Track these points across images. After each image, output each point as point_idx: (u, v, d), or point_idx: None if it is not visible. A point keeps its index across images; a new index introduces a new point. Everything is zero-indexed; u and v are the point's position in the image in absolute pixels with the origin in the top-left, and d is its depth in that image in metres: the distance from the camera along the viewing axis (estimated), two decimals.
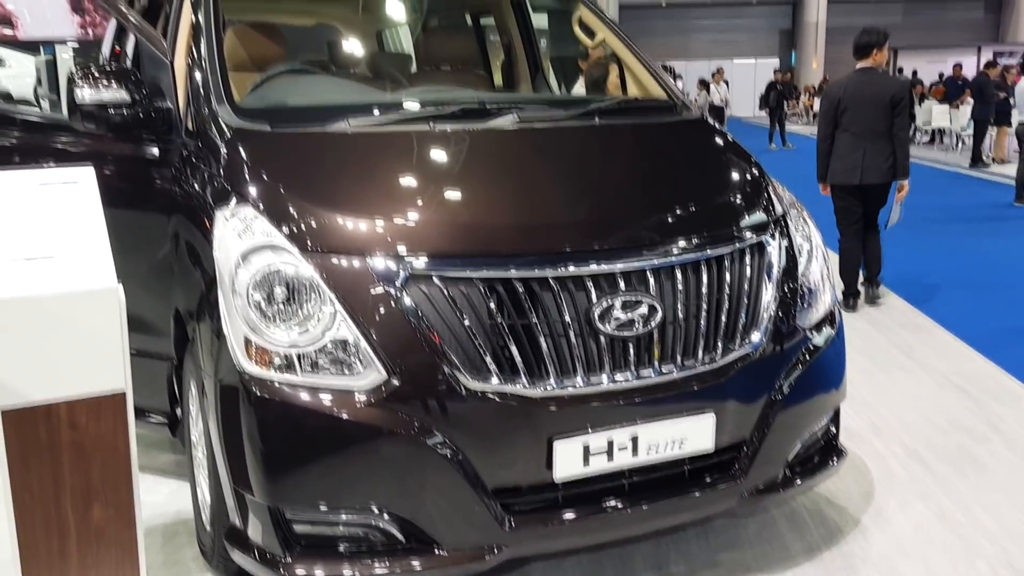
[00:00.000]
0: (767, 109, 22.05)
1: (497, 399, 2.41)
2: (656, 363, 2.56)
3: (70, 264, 2.51)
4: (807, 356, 2.87)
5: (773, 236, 2.88)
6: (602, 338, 2.50)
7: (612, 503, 2.59)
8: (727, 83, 21.24)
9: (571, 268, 2.49)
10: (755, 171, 3.16)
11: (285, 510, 2.44)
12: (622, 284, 2.53)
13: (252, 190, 2.60)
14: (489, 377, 2.40)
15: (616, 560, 3.02)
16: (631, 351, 2.53)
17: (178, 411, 3.28)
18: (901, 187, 5.97)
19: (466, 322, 2.40)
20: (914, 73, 21.54)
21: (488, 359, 2.40)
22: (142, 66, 3.41)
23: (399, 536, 2.44)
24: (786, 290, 2.86)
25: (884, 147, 5.78)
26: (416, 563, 2.43)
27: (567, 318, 2.46)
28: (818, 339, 2.94)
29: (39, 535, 2.61)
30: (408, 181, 2.72)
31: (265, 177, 2.63)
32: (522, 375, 2.42)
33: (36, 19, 15.57)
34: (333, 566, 2.42)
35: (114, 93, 2.99)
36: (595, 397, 2.49)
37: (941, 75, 22.66)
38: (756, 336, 2.74)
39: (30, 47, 12.95)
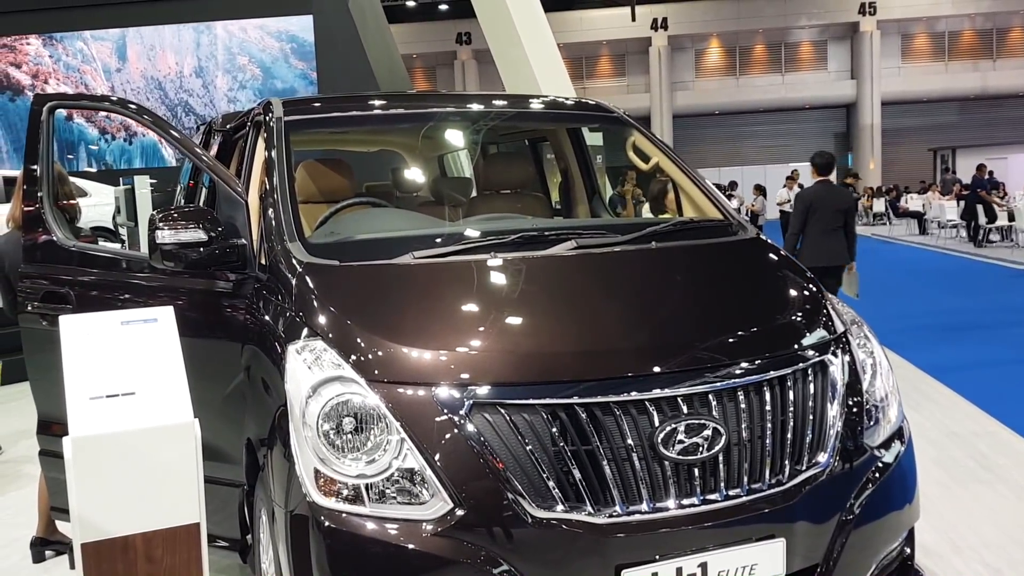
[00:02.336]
0: None
1: (563, 527, 2.41)
2: (723, 488, 2.55)
3: (149, 400, 2.62)
4: (877, 474, 2.83)
5: (835, 354, 2.88)
6: (667, 463, 2.50)
7: None
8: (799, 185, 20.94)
9: (633, 393, 2.51)
10: (813, 289, 3.18)
11: None
12: (684, 408, 2.55)
13: (322, 323, 2.70)
14: (554, 505, 2.42)
15: None
16: (696, 476, 2.52)
17: (248, 538, 3.33)
18: (851, 266, 7.79)
19: (529, 449, 2.43)
20: (979, 168, 21.36)
21: (552, 486, 2.41)
22: (217, 203, 3.59)
23: None
24: (851, 408, 2.84)
25: (840, 239, 7.66)
26: None
27: (630, 443, 2.47)
28: (887, 456, 2.89)
29: None
30: (470, 310, 2.81)
31: (334, 310, 2.73)
32: (587, 502, 2.43)
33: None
34: None
35: (192, 234, 3.16)
36: (661, 523, 2.48)
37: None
38: (823, 456, 2.71)
39: (110, 178, 13.64)
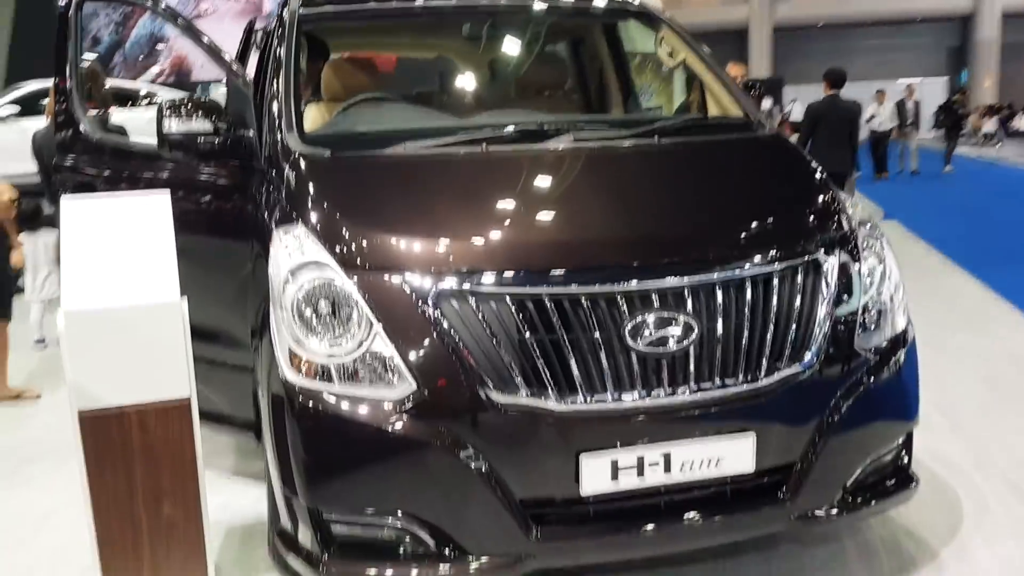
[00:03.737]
0: (943, 130, 20.91)
1: (524, 414, 2.45)
2: (692, 382, 2.54)
3: (139, 280, 2.73)
4: (869, 379, 2.76)
5: (832, 253, 2.79)
6: (633, 356, 2.49)
7: (644, 520, 2.58)
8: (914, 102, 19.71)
9: (603, 285, 2.50)
10: (821, 188, 3.07)
11: (323, 511, 2.55)
12: (656, 301, 2.52)
13: (305, 211, 2.75)
14: (517, 392, 2.44)
15: None
16: (664, 369, 2.51)
17: None
18: (852, 177, 8.51)
19: (496, 337, 2.45)
20: None
21: (516, 374, 2.44)
22: (230, 99, 3.66)
23: (429, 541, 2.51)
24: (847, 310, 2.76)
25: (845, 149, 8.24)
26: (445, 569, 2.49)
27: (597, 335, 2.47)
28: (883, 361, 2.82)
29: (115, 529, 2.84)
30: (449, 200, 2.81)
31: (318, 198, 2.78)
32: (550, 390, 2.45)
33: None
34: (366, 567, 2.52)
35: (199, 124, 3.23)
36: (624, 413, 2.49)
37: None
38: (807, 356, 2.66)
39: (187, 87, 13.90)
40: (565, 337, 2.46)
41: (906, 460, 3.00)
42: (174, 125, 3.21)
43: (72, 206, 2.84)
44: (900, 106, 19.81)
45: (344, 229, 2.64)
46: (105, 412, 2.73)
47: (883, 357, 2.82)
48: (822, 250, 2.78)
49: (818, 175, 3.16)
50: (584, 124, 3.32)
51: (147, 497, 2.85)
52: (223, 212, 3.51)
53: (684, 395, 2.53)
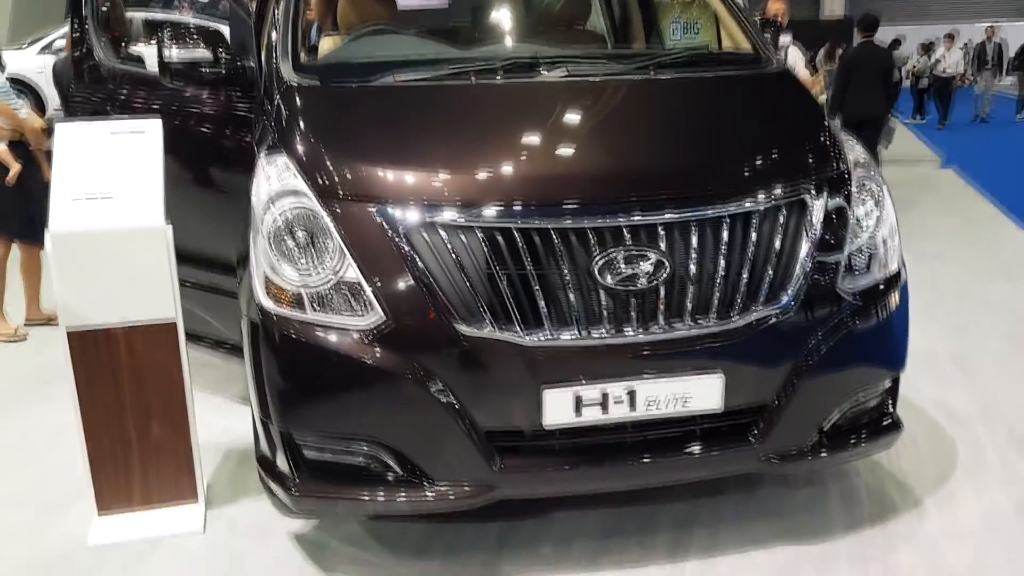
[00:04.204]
0: (1018, 75, 19.98)
1: (490, 346, 2.46)
2: (660, 320, 2.52)
3: (125, 204, 2.79)
4: (850, 324, 2.71)
5: (820, 193, 2.72)
6: (602, 291, 2.48)
7: (610, 454, 2.59)
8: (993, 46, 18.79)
9: (573, 220, 2.48)
10: (815, 127, 2.98)
11: (295, 436, 2.62)
12: (629, 237, 2.50)
13: (289, 140, 2.76)
14: (484, 324, 2.45)
15: (642, 514, 2.98)
16: (632, 306, 2.50)
17: None
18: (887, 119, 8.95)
19: (464, 269, 2.45)
20: None
21: (483, 306, 2.45)
22: (232, 27, 3.67)
23: (396, 468, 2.55)
24: (832, 253, 2.71)
25: (879, 94, 8.55)
26: (409, 495, 2.54)
27: (566, 270, 2.46)
28: (866, 306, 2.76)
29: (105, 447, 2.95)
30: (429, 132, 2.80)
31: (302, 127, 2.79)
32: (516, 323, 2.46)
33: None
34: (335, 489, 2.59)
35: (199, 52, 3.25)
36: (589, 348, 2.48)
37: None
38: (784, 297, 2.62)
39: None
40: (533, 271, 2.46)
41: (891, 406, 2.95)
42: (175, 53, 3.24)
43: (65, 129, 2.90)
44: (980, 48, 19.01)
45: (324, 159, 2.66)
46: (93, 331, 2.82)
47: (867, 302, 2.76)
48: (809, 190, 2.71)
49: (815, 113, 3.08)
50: (582, 58, 3.26)
51: (137, 416, 2.95)
52: (224, 141, 3.55)
53: (652, 333, 2.52)
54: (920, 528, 2.91)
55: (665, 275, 2.50)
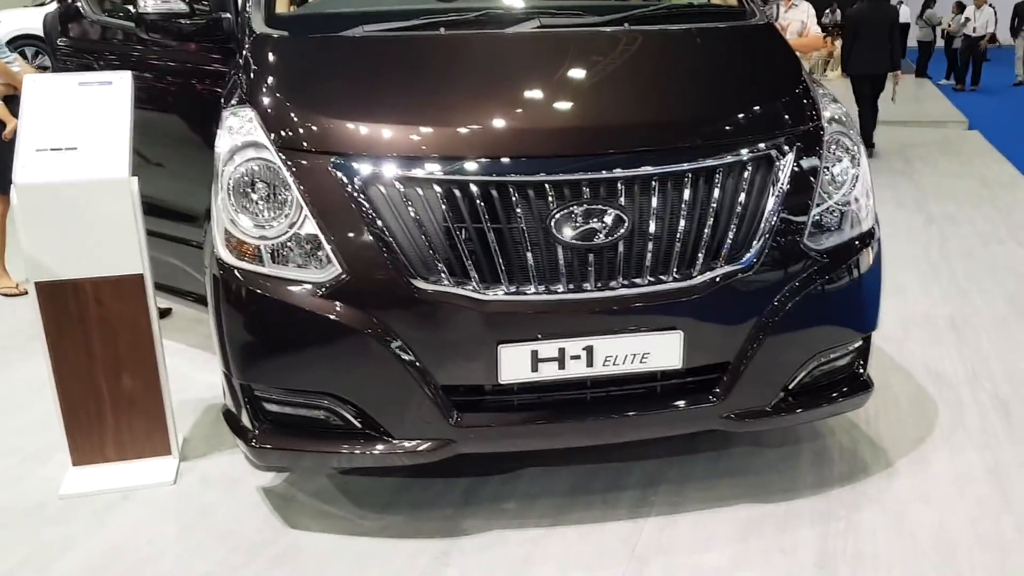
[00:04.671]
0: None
1: (446, 301, 2.44)
2: (618, 276, 2.49)
3: (90, 156, 2.79)
4: (816, 281, 2.65)
5: (789, 150, 2.65)
6: (559, 247, 2.45)
7: (568, 411, 2.58)
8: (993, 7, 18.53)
9: (530, 174, 2.44)
10: (791, 81, 2.90)
11: (255, 389, 2.63)
12: (587, 192, 2.46)
13: (253, 92, 2.74)
14: (440, 279, 2.44)
15: (611, 472, 2.96)
16: (590, 263, 2.47)
17: None
18: (895, 75, 9.32)
19: (421, 223, 2.42)
20: None
21: (440, 261, 2.43)
22: None
23: (354, 422, 2.56)
24: (799, 210, 2.65)
25: (884, 51, 8.88)
26: (368, 449, 2.54)
27: (523, 225, 2.44)
28: (834, 265, 2.70)
29: (78, 399, 2.98)
30: (388, 85, 2.76)
31: (267, 80, 2.77)
32: (473, 279, 2.44)
33: None
34: (294, 442, 2.60)
35: (174, 4, 3.23)
36: (547, 305, 2.46)
37: None
38: (748, 254, 2.57)
39: None
40: (490, 225, 2.44)
41: (861, 366, 2.91)
42: (150, 4, 3.21)
43: (33, 82, 2.90)
44: (1018, 8, 18.52)
45: (285, 111, 2.64)
46: (61, 283, 2.83)
47: (836, 261, 2.70)
48: (776, 146, 2.65)
49: (791, 68, 3.00)
50: (556, 10, 3.20)
51: (107, 369, 2.97)
52: (201, 94, 3.54)
53: (610, 289, 2.49)
54: (888, 489, 2.88)
55: (624, 231, 2.47)
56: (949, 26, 18.82)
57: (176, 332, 4.19)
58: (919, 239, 6.02)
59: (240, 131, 2.65)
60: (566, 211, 2.44)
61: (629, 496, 2.87)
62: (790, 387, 2.73)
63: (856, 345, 2.87)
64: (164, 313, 4.28)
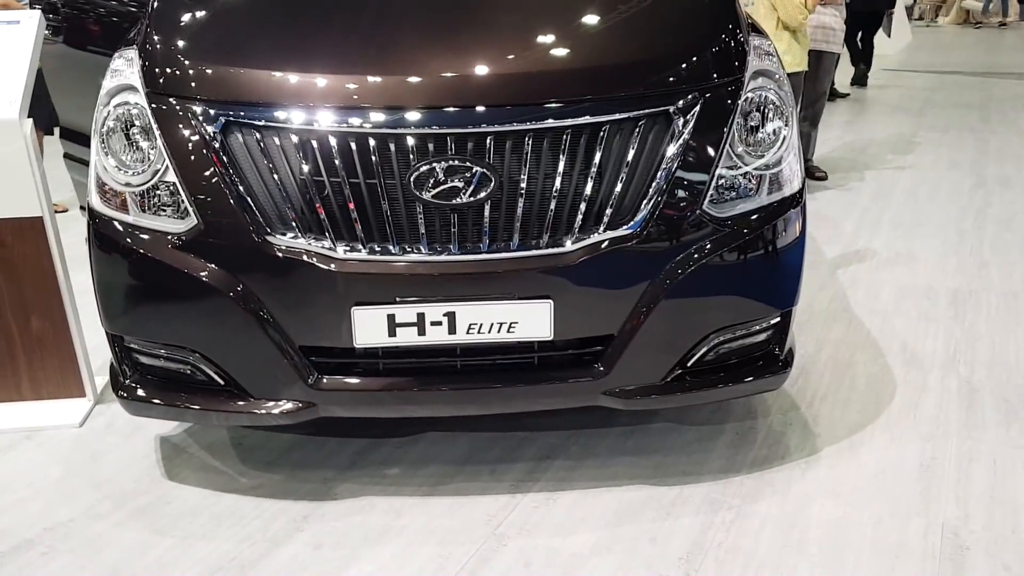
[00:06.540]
0: None
1: (300, 258, 2.32)
2: (485, 239, 2.33)
3: None
4: (718, 251, 2.42)
5: (692, 107, 2.40)
6: (419, 206, 2.30)
7: (432, 379, 2.45)
8: None
9: (390, 126, 2.29)
10: (712, 30, 2.61)
11: (124, 338, 2.58)
12: (453, 147, 2.30)
13: (141, 36, 2.66)
14: (295, 235, 2.32)
15: (513, 441, 2.81)
16: (453, 224, 2.32)
17: None
18: (889, 12, 10.11)
19: (276, 174, 2.31)
20: None
21: (293, 216, 2.32)
22: None
23: (216, 379, 2.49)
24: (698, 172, 2.40)
25: None
26: (227, 406, 2.46)
27: (383, 180, 2.29)
28: (741, 233, 2.46)
29: None
30: (260, 31, 2.64)
31: (154, 25, 2.66)
32: (327, 236, 2.32)
33: None
34: (158, 395, 2.55)
35: None
36: (404, 267, 2.32)
37: None
38: (632, 222, 2.37)
39: None
40: (347, 180, 2.31)
41: (778, 345, 2.68)
42: None
43: None
44: None
45: (158, 56, 2.55)
46: None
47: (744, 229, 2.48)
48: (674, 102, 2.42)
49: (717, 15, 2.72)
50: None
51: (15, 310, 2.98)
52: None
53: (474, 253, 2.34)
54: (800, 480, 2.67)
55: (489, 191, 2.30)
56: None
57: None
58: (958, 203, 5.58)
59: (119, 74, 2.58)
60: (427, 167, 2.29)
61: (519, 468, 2.74)
62: (688, 364, 2.54)
63: (774, 321, 2.64)
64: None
